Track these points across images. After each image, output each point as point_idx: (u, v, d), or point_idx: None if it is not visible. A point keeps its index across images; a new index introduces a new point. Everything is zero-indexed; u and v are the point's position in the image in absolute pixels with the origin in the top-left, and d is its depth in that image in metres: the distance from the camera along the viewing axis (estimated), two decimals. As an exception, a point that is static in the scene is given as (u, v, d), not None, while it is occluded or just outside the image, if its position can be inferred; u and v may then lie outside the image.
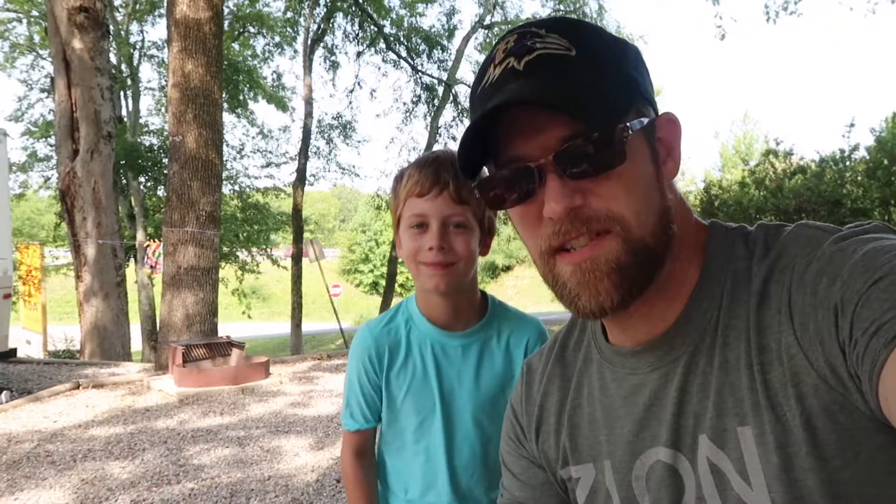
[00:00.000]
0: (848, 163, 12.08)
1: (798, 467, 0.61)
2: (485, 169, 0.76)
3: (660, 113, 0.76)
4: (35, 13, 18.45)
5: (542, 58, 0.68)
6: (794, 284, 0.64)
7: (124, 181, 16.98)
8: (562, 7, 16.90)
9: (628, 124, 0.67)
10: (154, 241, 12.02)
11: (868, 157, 11.89)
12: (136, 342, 14.19)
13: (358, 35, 17.83)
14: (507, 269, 39.41)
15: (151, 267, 11.37)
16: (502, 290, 37.40)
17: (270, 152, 21.45)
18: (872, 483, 0.60)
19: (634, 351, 0.77)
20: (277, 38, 19.60)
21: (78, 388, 6.93)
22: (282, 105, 21.06)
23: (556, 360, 0.91)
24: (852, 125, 12.09)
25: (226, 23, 10.14)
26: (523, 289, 36.79)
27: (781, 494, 0.62)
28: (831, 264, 0.61)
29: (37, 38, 19.20)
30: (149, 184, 18.51)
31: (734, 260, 0.72)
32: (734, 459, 0.66)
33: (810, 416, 0.61)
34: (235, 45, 19.03)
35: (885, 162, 11.37)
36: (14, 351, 9.13)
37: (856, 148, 12.08)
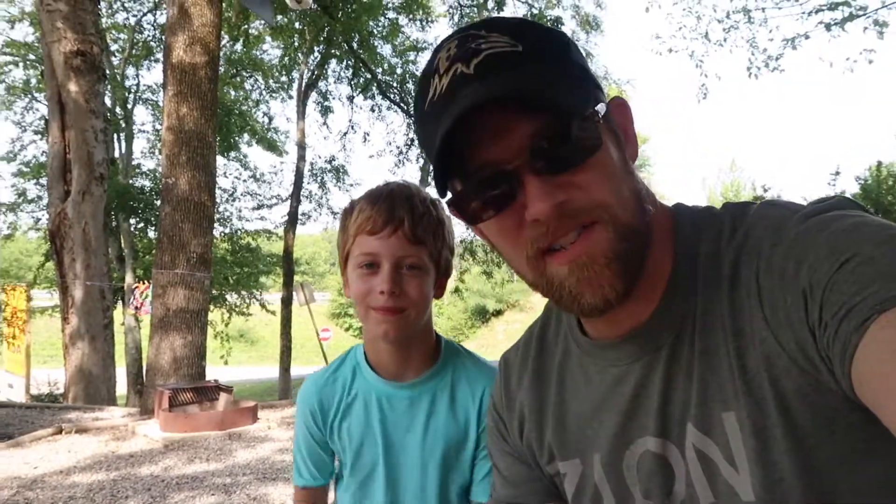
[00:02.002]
0: (834, 210, 12.25)
1: (775, 449, 0.62)
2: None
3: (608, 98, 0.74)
4: (32, 56, 18.66)
5: (492, 57, 0.65)
6: (762, 269, 0.64)
7: (115, 223, 16.94)
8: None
9: (596, 109, 0.66)
10: (143, 283, 11.86)
11: (854, 205, 12.09)
12: (122, 386, 13.94)
13: (352, 81, 18.10)
14: (498, 313, 39.24)
15: (136, 308, 11.21)
16: (492, 334, 37.20)
17: (261, 195, 21.54)
18: (847, 461, 0.60)
19: (615, 343, 0.75)
20: (272, 83, 19.87)
21: (60, 432, 6.75)
22: (274, 148, 21.22)
23: (536, 355, 0.89)
24: (838, 173, 12.36)
25: (221, 68, 10.29)
26: (513, 333, 36.64)
27: (760, 477, 0.62)
28: (797, 247, 0.61)
29: (33, 82, 19.37)
30: (139, 225, 18.48)
31: (705, 243, 0.71)
32: (721, 445, 0.66)
33: (784, 397, 0.61)
34: (230, 91, 19.23)
35: (871, 209, 11.56)
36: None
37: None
